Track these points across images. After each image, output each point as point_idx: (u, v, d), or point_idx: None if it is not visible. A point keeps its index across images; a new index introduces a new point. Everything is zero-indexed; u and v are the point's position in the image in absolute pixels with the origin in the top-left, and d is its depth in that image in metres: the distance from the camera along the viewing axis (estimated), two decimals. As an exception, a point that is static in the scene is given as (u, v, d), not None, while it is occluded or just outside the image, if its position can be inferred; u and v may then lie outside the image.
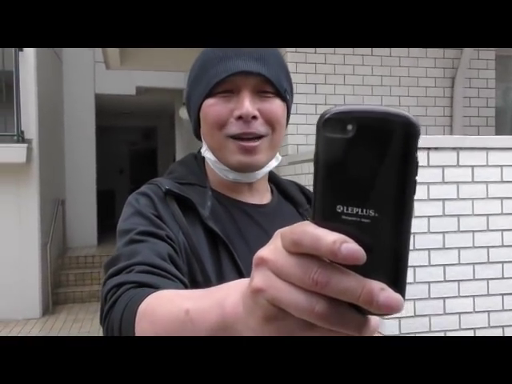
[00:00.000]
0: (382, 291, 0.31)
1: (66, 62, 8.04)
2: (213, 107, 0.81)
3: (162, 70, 7.84)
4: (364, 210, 0.34)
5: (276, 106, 0.82)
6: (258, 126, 0.79)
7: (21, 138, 5.51)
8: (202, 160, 0.91)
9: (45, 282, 5.91)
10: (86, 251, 7.55)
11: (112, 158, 12.84)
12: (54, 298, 6.21)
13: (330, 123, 0.36)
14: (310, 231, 0.33)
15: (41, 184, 5.82)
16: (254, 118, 0.79)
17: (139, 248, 0.71)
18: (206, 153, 0.86)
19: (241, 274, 0.77)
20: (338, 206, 0.35)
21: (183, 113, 7.35)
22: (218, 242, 0.78)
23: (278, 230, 0.36)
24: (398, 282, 0.34)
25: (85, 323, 5.44)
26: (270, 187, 0.94)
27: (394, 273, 0.34)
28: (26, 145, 5.46)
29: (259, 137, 0.80)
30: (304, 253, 0.33)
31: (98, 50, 6.82)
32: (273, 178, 0.95)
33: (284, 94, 0.83)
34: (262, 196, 0.90)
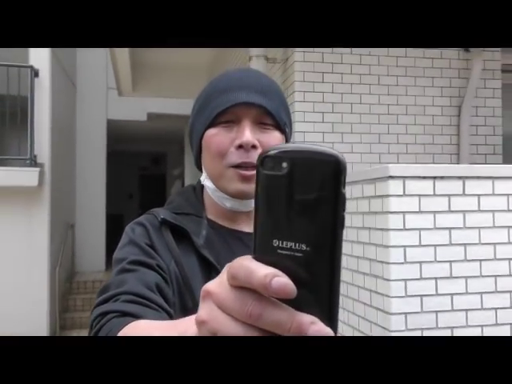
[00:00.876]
0: (312, 325, 0.32)
1: (80, 88, 8.21)
2: (214, 137, 0.84)
3: (172, 97, 7.96)
4: (297, 245, 0.36)
5: (275, 137, 0.85)
6: (257, 156, 0.82)
7: (33, 161, 5.60)
8: (200, 190, 0.94)
9: (53, 306, 5.92)
10: (93, 276, 7.56)
11: (122, 182, 12.94)
12: (62, 323, 6.20)
13: (267, 161, 0.39)
14: (245, 265, 0.34)
15: (51, 208, 5.89)
16: (254, 147, 0.82)
17: (128, 277, 0.74)
18: (206, 181, 0.89)
19: None
20: (274, 241, 0.37)
21: (193, 139, 7.43)
22: (211, 270, 0.80)
23: (228, 264, 0.37)
24: (329, 316, 0.35)
25: (91, 348, 5.41)
26: None
27: (326, 306, 0.35)
28: (38, 169, 5.55)
29: None
30: (243, 286, 0.34)
31: (111, 77, 6.96)
32: None
33: (283, 126, 0.87)
34: None
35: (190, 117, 0.92)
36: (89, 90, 8.33)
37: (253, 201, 0.86)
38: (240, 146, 0.81)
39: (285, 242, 0.37)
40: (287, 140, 0.90)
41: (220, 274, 0.38)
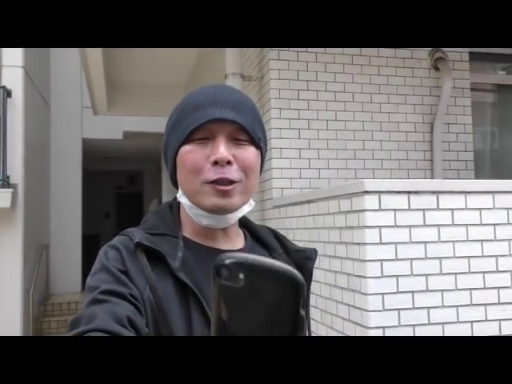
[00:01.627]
0: None
1: (54, 107, 8.13)
2: (189, 154, 0.83)
3: (148, 116, 7.95)
4: None
5: (250, 153, 0.85)
6: (233, 172, 0.82)
7: (6, 182, 5.50)
8: (176, 208, 0.92)
9: (26, 330, 5.76)
10: (69, 297, 7.40)
11: (98, 201, 12.78)
12: (35, 346, 6.03)
13: (222, 270, 0.39)
14: None
15: (25, 229, 5.77)
16: (229, 163, 0.82)
17: (98, 311, 0.71)
18: (182, 198, 0.88)
19: (209, 324, 0.78)
20: None
21: (170, 157, 7.40)
22: (188, 293, 0.79)
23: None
24: None
25: (66, 372, 5.27)
26: (243, 232, 0.96)
27: None
28: (11, 190, 5.45)
29: (233, 182, 0.82)
30: None
31: (86, 96, 6.91)
32: (245, 222, 0.97)
33: (258, 141, 0.87)
34: (235, 241, 0.91)
35: (164, 134, 0.92)
36: (63, 109, 8.25)
37: (228, 217, 0.87)
38: (215, 163, 0.81)
39: None
40: (263, 155, 0.90)
41: None
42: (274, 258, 0.94)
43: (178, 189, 0.92)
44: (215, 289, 0.40)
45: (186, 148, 0.84)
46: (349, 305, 2.27)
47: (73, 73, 8.28)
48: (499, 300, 2.27)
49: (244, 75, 3.61)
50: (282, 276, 0.38)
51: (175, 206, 0.93)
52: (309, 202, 2.73)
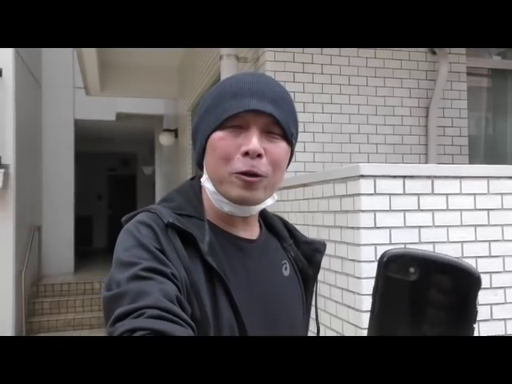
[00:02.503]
0: None
1: (46, 87, 8.02)
2: (221, 141, 0.82)
3: (142, 97, 7.87)
4: None
5: (281, 148, 0.84)
6: (261, 166, 0.81)
7: (-3, 163, 5.45)
8: (198, 189, 0.91)
9: (18, 311, 5.76)
10: (61, 279, 7.40)
11: (90, 183, 12.74)
12: (28, 327, 6.05)
13: (391, 264, 0.39)
14: None
15: (17, 210, 5.73)
16: (260, 156, 0.81)
17: (147, 287, 0.69)
18: (206, 183, 0.87)
19: (235, 308, 0.79)
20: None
21: (163, 139, 7.36)
22: (214, 277, 0.79)
23: None
24: None
25: (59, 353, 5.29)
26: (259, 221, 0.96)
27: None
28: (2, 170, 5.40)
29: (260, 176, 0.82)
30: None
31: (78, 76, 6.82)
32: (260, 211, 0.96)
33: (290, 137, 0.86)
34: (253, 230, 0.92)
35: (196, 115, 0.90)
36: (55, 90, 8.14)
37: (251, 208, 0.87)
38: (246, 154, 0.80)
39: None
40: (292, 151, 0.90)
41: None
42: (283, 247, 0.96)
43: (201, 169, 0.91)
44: (382, 281, 0.39)
45: (218, 134, 0.83)
46: (342, 288, 2.28)
47: (65, 52, 8.15)
48: (491, 285, 2.29)
49: (239, 56, 3.57)
50: (459, 270, 0.38)
51: (197, 187, 0.92)
52: (303, 185, 2.72)
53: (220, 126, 0.83)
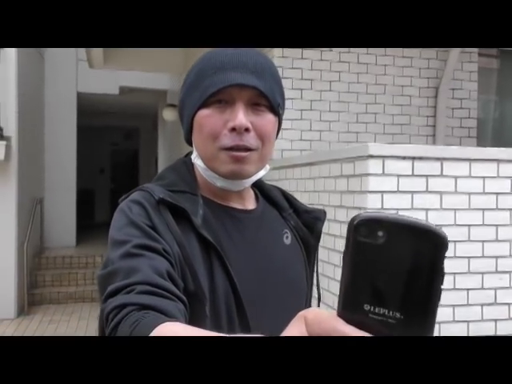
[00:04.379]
0: None
1: (48, 59, 7.92)
2: (207, 118, 0.82)
3: (146, 71, 7.78)
4: (390, 312, 0.38)
5: (267, 120, 0.84)
6: (250, 139, 0.81)
7: (0, 135, 5.41)
8: (191, 165, 0.91)
9: (20, 282, 5.80)
10: (63, 252, 7.43)
11: (93, 157, 12.70)
12: (30, 299, 6.09)
13: (361, 228, 0.39)
14: (340, 330, 0.37)
15: (19, 182, 5.72)
16: (247, 130, 0.80)
17: (138, 264, 0.70)
18: (197, 160, 0.87)
19: (231, 280, 0.79)
20: (365, 305, 0.38)
21: (166, 114, 7.29)
22: (210, 250, 0.79)
23: (301, 314, 0.40)
24: None
25: (60, 324, 5.34)
26: (255, 192, 0.96)
27: None
28: (4, 142, 5.36)
29: (249, 149, 0.81)
30: None
31: (81, 49, 6.73)
32: (257, 182, 0.96)
33: (277, 108, 0.85)
34: (248, 202, 0.92)
35: (181, 91, 0.89)
36: (58, 62, 8.04)
37: (244, 181, 0.85)
38: (233, 129, 0.80)
39: (377, 308, 0.38)
40: (280, 121, 0.89)
41: (294, 323, 0.41)
42: (283, 217, 0.96)
43: (191, 146, 0.91)
44: (352, 247, 0.40)
45: (203, 112, 0.82)
46: (346, 269, 2.27)
47: (68, 23, 8.03)
48: (496, 269, 2.28)
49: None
50: (425, 232, 0.38)
51: (189, 163, 0.91)
52: (310, 164, 2.69)
53: (204, 103, 0.82)
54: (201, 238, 0.79)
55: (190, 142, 0.91)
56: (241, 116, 0.79)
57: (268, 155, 0.87)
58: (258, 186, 0.98)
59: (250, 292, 0.80)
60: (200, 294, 0.75)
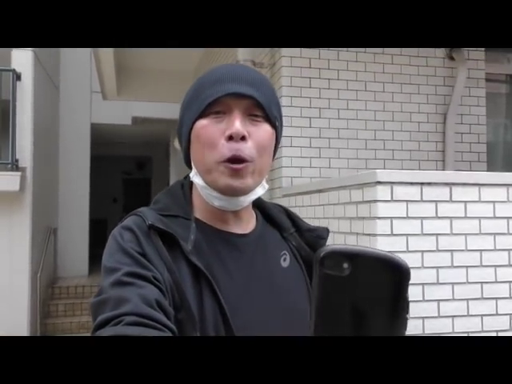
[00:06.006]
0: None
1: (63, 91, 8.11)
2: (205, 128, 0.82)
3: (157, 101, 7.92)
4: None
5: (264, 131, 0.84)
6: (246, 150, 0.81)
7: (15, 166, 5.51)
8: (188, 187, 0.91)
9: (33, 312, 5.81)
10: (76, 281, 7.45)
11: (106, 186, 12.83)
12: (43, 329, 6.09)
13: (326, 260, 0.41)
14: None
15: (33, 213, 5.79)
16: (243, 138, 0.80)
17: (127, 294, 0.70)
18: (195, 177, 0.87)
19: (221, 308, 0.78)
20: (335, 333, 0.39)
21: (178, 143, 7.39)
22: (200, 276, 0.78)
23: None
24: None
25: (73, 355, 5.32)
26: (255, 213, 0.95)
27: None
28: (19, 173, 5.46)
29: (246, 161, 0.81)
30: None
31: (96, 80, 6.89)
32: (257, 202, 0.95)
33: (273, 120, 0.86)
34: (247, 224, 0.91)
35: (180, 110, 0.90)
36: (72, 94, 8.23)
37: (241, 200, 0.86)
38: (230, 137, 0.80)
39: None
40: (278, 135, 0.89)
41: None
42: (284, 237, 0.94)
43: (190, 168, 0.90)
44: (318, 278, 0.41)
45: (201, 122, 0.83)
46: (358, 296, 2.26)
47: (82, 57, 8.25)
48: (510, 294, 2.25)
49: (255, 62, 3.57)
50: (387, 263, 0.39)
51: (186, 185, 0.92)
52: (319, 191, 2.71)
53: (202, 114, 0.83)
54: (191, 265, 0.79)
55: (188, 162, 0.91)
56: (238, 124, 0.80)
57: (265, 169, 0.86)
58: (259, 206, 0.97)
59: (242, 320, 0.79)
60: (190, 322, 0.74)
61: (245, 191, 0.83)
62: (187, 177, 0.93)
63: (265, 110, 0.83)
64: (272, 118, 0.85)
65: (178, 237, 0.80)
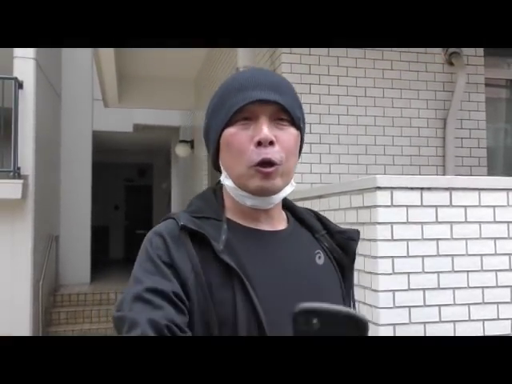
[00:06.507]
0: None
1: (65, 99, 8.15)
2: (234, 136, 0.86)
3: (158, 109, 7.95)
4: None
5: (290, 134, 0.87)
6: (275, 153, 0.84)
7: (17, 174, 5.53)
8: (220, 191, 0.94)
9: (35, 320, 5.80)
10: (78, 289, 7.45)
11: (107, 194, 12.84)
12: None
13: (299, 318, 0.47)
14: None
15: (35, 220, 5.80)
16: (271, 143, 0.84)
17: (139, 317, 0.73)
18: (226, 180, 0.90)
19: (253, 305, 0.79)
20: None
21: (179, 150, 7.41)
22: (232, 275, 0.80)
23: None
24: None
25: (75, 363, 5.30)
26: (286, 214, 0.98)
27: None
28: (21, 181, 5.47)
29: (275, 164, 0.84)
30: None
31: (97, 88, 6.92)
32: (288, 205, 0.99)
33: (298, 122, 0.89)
34: (278, 223, 0.93)
35: (205, 117, 0.93)
36: (74, 101, 8.27)
37: (273, 197, 0.90)
38: (259, 143, 0.83)
39: None
40: (302, 135, 0.92)
41: None
42: (316, 238, 0.96)
43: (219, 171, 0.94)
44: (294, 333, 0.47)
45: (229, 130, 0.86)
46: (359, 301, 2.25)
47: (84, 65, 8.29)
48: (512, 299, 2.25)
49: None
50: (348, 318, 0.46)
51: (218, 189, 0.95)
52: (319, 197, 2.71)
53: (229, 123, 0.86)
54: (222, 264, 0.80)
55: (216, 166, 0.94)
56: (265, 129, 0.83)
57: (292, 169, 0.90)
58: (290, 208, 1.00)
59: (276, 315, 0.79)
60: (227, 320, 0.77)
61: (275, 191, 0.87)
62: (219, 182, 0.96)
63: (289, 113, 0.86)
64: (296, 119, 0.88)
65: (210, 237, 0.82)
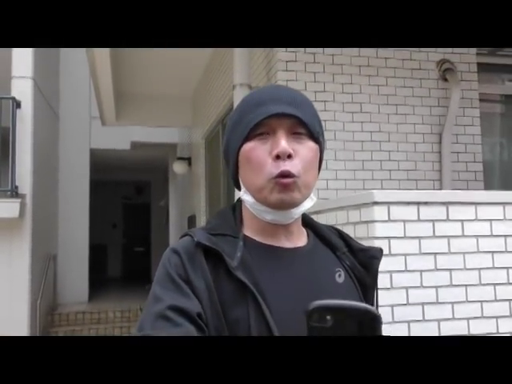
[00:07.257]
0: None
1: (63, 117, 8.19)
2: (252, 151, 0.86)
3: (156, 126, 7.99)
4: None
5: (308, 148, 0.87)
6: (293, 167, 0.84)
7: (15, 193, 5.53)
8: (239, 208, 0.94)
9: (33, 340, 5.75)
10: (76, 307, 7.39)
11: (105, 212, 12.83)
12: (42, 357, 6.01)
13: (313, 315, 0.50)
14: None
15: (33, 239, 5.79)
16: (290, 156, 0.84)
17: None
18: (245, 195, 0.90)
19: (266, 322, 0.78)
20: None
21: (177, 167, 7.43)
22: (246, 293, 0.80)
23: None
24: None
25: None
26: (307, 231, 0.96)
27: None
28: (19, 200, 5.48)
29: (293, 176, 0.84)
30: None
31: (95, 106, 6.96)
32: (309, 222, 0.98)
33: (316, 135, 0.89)
34: (298, 239, 0.92)
35: (225, 134, 0.94)
36: (72, 120, 8.31)
37: (292, 212, 0.89)
38: (277, 157, 0.83)
39: None
40: (322, 149, 0.92)
41: None
42: (337, 256, 0.94)
43: (238, 188, 0.94)
44: (308, 331, 0.50)
45: (248, 145, 0.87)
46: (358, 317, 2.25)
47: (81, 83, 8.35)
48: (511, 312, 2.24)
49: (251, 86, 3.62)
50: (362, 313, 0.48)
51: (238, 206, 0.95)
52: (317, 212, 2.72)
53: (248, 138, 0.86)
54: (236, 281, 0.80)
55: (236, 182, 0.94)
56: (283, 143, 0.83)
57: (311, 183, 0.89)
58: (311, 225, 0.98)
59: (292, 333, 0.76)
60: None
61: (294, 204, 0.86)
62: (239, 199, 0.96)
63: (308, 126, 0.87)
64: (315, 133, 0.88)
65: (225, 254, 0.82)
